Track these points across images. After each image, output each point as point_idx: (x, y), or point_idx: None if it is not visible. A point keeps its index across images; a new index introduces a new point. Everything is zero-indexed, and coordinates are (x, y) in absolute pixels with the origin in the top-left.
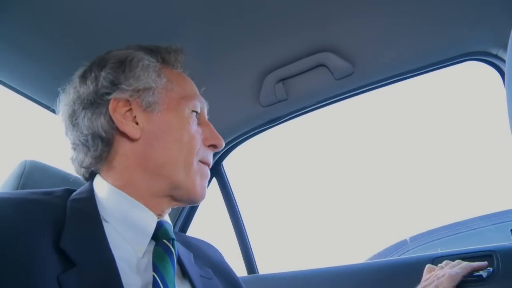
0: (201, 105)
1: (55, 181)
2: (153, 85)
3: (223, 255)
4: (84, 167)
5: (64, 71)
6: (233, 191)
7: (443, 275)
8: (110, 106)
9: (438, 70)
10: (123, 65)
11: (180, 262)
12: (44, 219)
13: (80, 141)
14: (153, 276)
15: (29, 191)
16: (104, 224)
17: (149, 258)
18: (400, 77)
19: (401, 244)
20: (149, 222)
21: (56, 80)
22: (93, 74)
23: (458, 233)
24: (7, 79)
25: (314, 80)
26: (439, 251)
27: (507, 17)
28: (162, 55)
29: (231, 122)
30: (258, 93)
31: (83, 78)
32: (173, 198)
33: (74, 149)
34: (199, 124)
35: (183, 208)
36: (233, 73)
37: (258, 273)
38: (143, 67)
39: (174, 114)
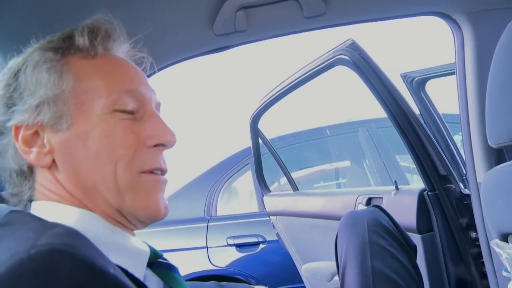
0: (139, 96)
1: None
2: (50, 93)
3: None
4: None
5: None
6: None
7: None
8: (13, 134)
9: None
10: (16, 80)
11: None
12: None
13: None
14: None
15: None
16: None
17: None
18: (368, 22)
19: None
20: (138, 243)
21: None
22: None
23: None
24: None
25: (280, 14)
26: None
27: None
28: (68, 45)
29: (176, 45)
30: (213, 19)
31: None
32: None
33: None
34: (137, 120)
35: None
36: None
37: None
38: (38, 75)
39: (89, 122)
